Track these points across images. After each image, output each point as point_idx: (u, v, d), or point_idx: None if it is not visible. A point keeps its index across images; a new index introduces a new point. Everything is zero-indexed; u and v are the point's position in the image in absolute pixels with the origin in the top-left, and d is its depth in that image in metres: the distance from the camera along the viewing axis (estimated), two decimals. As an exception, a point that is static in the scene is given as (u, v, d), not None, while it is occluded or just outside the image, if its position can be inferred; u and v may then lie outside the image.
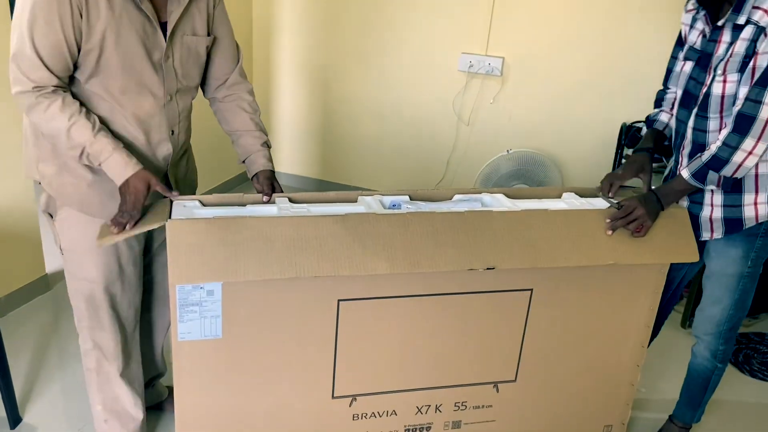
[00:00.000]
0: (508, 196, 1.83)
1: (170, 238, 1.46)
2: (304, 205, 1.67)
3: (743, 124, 1.59)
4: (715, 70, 1.67)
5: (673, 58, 1.89)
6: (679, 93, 1.81)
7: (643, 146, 1.95)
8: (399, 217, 1.60)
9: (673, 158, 1.88)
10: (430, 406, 1.82)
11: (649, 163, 1.89)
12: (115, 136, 1.57)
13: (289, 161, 4.05)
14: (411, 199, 1.77)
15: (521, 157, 3.19)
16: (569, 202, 1.82)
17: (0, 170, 2.40)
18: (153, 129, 1.64)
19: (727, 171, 1.63)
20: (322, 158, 3.97)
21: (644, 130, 3.02)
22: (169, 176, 1.74)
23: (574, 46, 3.26)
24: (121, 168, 1.52)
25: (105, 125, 1.56)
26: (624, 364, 1.92)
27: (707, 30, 1.71)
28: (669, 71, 1.91)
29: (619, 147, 3.13)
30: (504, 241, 1.63)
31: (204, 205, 1.65)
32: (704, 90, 1.70)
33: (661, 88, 1.96)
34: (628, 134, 3.09)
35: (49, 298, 2.66)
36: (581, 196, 1.88)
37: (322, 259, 1.51)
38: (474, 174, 3.33)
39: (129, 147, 1.58)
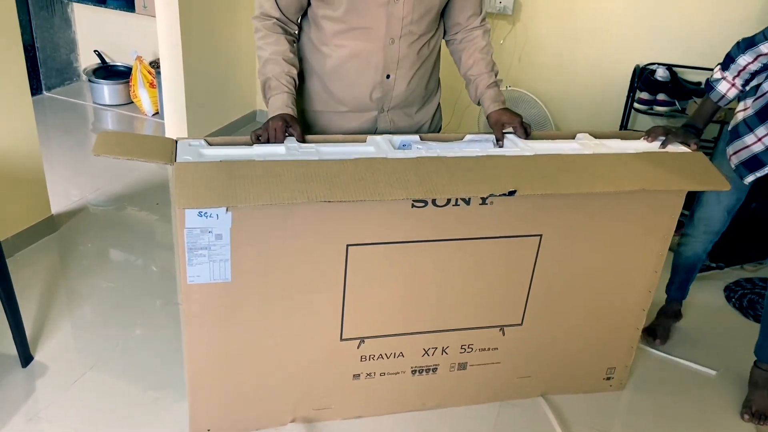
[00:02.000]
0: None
1: (177, 176, 1.44)
2: (313, 145, 1.64)
3: None
4: None
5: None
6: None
7: (693, 123, 1.96)
8: (411, 160, 1.58)
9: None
10: (436, 348, 1.84)
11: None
12: (335, 64, 1.74)
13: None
14: (421, 140, 1.74)
15: (511, 98, 3.15)
16: (584, 143, 1.79)
17: (1, 111, 2.36)
18: (370, 68, 1.73)
19: None
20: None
21: (659, 72, 2.96)
22: (384, 122, 1.84)
23: (587, -17, 3.15)
24: (275, 108, 1.68)
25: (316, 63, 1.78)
26: (630, 308, 1.93)
27: None
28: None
29: (631, 90, 3.07)
30: (524, 172, 1.61)
31: (210, 144, 1.62)
32: None
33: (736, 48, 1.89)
34: (641, 76, 3.02)
35: (56, 238, 2.66)
36: (595, 137, 1.85)
37: (334, 187, 1.47)
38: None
39: (342, 76, 1.75)
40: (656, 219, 1.78)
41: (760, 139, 1.88)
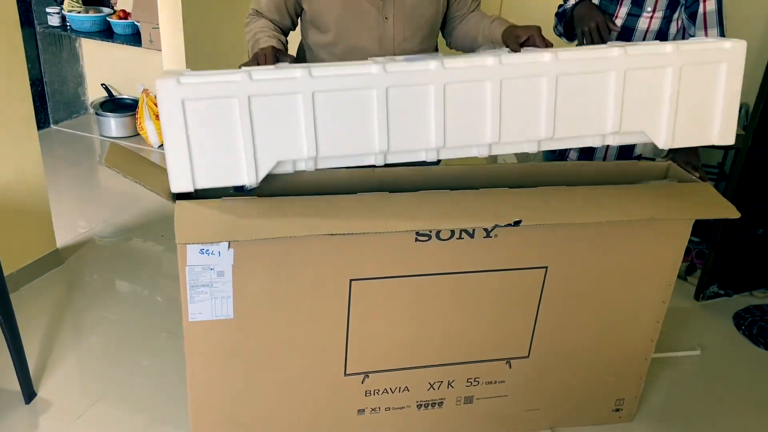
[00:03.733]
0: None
1: (177, 213, 1.44)
2: (306, 65, 1.51)
3: None
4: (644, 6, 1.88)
5: None
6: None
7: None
8: (415, 195, 1.58)
9: None
10: (442, 382, 1.82)
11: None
12: None
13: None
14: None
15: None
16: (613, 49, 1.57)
17: (7, 145, 2.38)
18: None
19: None
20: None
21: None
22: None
23: None
24: (259, 46, 1.73)
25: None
26: (638, 339, 1.90)
27: None
28: None
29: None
30: (528, 203, 1.61)
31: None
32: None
33: None
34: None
35: (61, 271, 2.67)
36: None
37: (337, 220, 1.46)
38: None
39: None
40: (664, 249, 1.76)
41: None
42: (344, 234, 1.44)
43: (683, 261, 2.95)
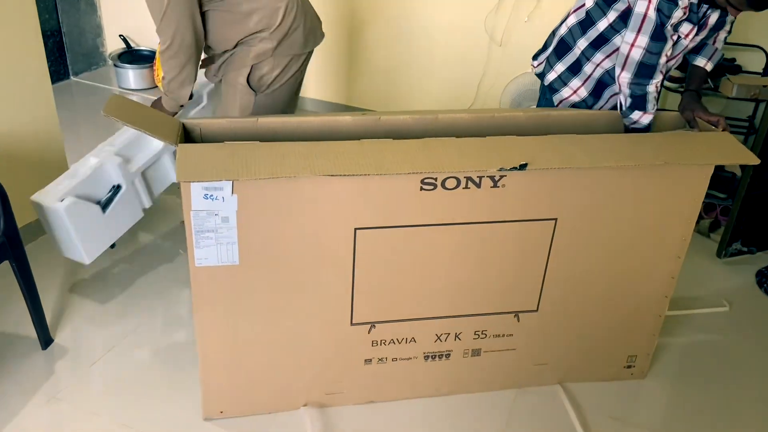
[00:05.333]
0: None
1: (180, 154, 1.43)
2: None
3: None
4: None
5: None
6: None
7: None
8: (419, 141, 1.54)
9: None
10: (449, 334, 1.81)
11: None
12: None
13: (314, 86, 3.96)
14: None
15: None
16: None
17: (21, 96, 2.38)
18: None
19: None
20: (347, 83, 3.86)
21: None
22: None
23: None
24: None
25: None
26: (651, 295, 1.86)
27: None
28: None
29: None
30: (536, 148, 1.57)
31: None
32: None
33: None
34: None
35: (79, 222, 2.69)
36: None
37: (338, 162, 1.44)
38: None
39: None
40: (679, 200, 1.71)
41: (575, 92, 1.95)
42: (344, 175, 1.41)
43: (707, 217, 2.88)
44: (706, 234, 2.83)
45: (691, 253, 2.68)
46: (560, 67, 1.97)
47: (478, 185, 1.57)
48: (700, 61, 1.95)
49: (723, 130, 1.73)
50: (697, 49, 1.95)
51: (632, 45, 1.71)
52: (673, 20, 1.66)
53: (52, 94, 2.49)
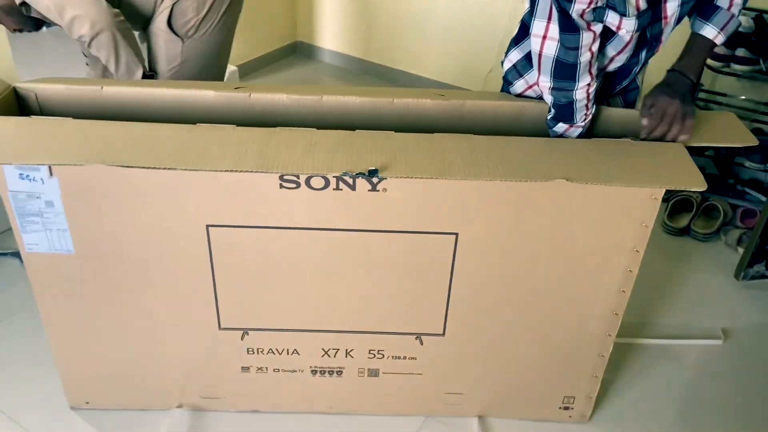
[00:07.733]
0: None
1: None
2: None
3: None
4: None
5: None
6: None
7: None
8: (266, 130, 1.27)
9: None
10: (338, 350, 1.56)
11: None
12: None
13: (331, 37, 3.67)
14: None
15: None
16: None
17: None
18: None
19: None
20: (365, 35, 3.54)
21: (742, 19, 2.35)
22: None
23: None
24: None
25: None
26: (590, 332, 1.52)
27: None
28: None
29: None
30: (416, 152, 1.27)
31: None
32: None
33: None
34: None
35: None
36: None
37: (146, 151, 1.21)
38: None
39: None
40: (615, 224, 1.34)
41: (530, 86, 1.52)
42: (144, 168, 1.17)
43: (743, 225, 2.44)
44: (734, 247, 2.38)
45: (708, 269, 2.27)
46: (515, 55, 1.54)
47: (352, 187, 1.28)
48: (709, 32, 1.40)
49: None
50: (703, 13, 1.42)
51: (544, 37, 1.31)
52: (579, 5, 1.22)
53: None
